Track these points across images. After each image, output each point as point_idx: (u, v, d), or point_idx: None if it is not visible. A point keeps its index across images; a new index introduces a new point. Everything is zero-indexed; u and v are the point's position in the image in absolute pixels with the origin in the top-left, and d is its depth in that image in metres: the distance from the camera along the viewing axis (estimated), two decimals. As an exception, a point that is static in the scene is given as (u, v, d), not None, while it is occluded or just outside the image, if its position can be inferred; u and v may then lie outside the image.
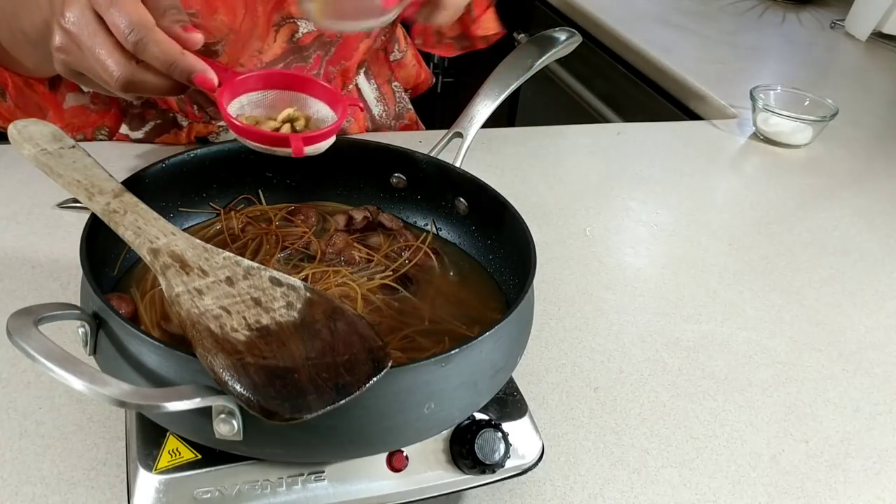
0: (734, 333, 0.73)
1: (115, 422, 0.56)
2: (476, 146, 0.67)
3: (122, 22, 0.51)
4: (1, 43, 0.73)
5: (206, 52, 0.81)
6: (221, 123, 0.91)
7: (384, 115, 1.03)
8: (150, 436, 0.46)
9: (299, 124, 0.57)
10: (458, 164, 0.64)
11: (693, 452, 0.60)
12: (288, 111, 0.57)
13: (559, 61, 1.23)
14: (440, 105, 1.21)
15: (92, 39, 0.52)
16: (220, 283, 0.45)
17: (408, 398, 0.43)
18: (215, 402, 0.39)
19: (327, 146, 0.56)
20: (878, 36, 1.57)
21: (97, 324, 0.45)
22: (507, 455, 0.49)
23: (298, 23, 0.85)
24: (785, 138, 1.11)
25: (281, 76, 0.59)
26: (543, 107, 1.80)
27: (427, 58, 1.13)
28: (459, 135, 0.68)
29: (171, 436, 0.46)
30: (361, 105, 0.58)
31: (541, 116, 1.81)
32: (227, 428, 0.40)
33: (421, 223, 0.65)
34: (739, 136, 1.14)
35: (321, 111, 0.59)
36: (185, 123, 0.91)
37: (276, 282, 0.46)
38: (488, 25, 0.98)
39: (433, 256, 0.61)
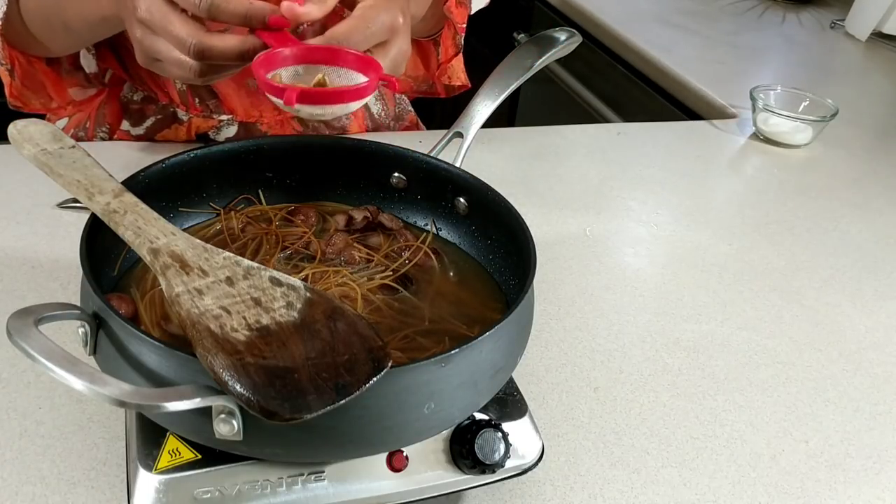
0: (734, 333, 0.73)
1: (115, 422, 0.56)
2: (476, 146, 0.67)
3: None
4: (28, 26, 0.74)
5: None
6: (222, 118, 0.91)
7: (383, 114, 1.03)
8: (150, 436, 0.46)
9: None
10: (458, 164, 0.64)
11: (693, 452, 0.60)
12: (318, 76, 0.58)
13: (559, 61, 1.23)
14: (440, 105, 1.21)
15: (164, 19, 0.58)
16: (220, 283, 0.45)
17: (408, 398, 0.43)
18: (215, 402, 0.39)
19: (343, 111, 0.56)
20: (878, 36, 1.57)
21: (97, 324, 0.45)
22: (507, 455, 0.49)
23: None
24: (785, 138, 1.11)
25: (317, 50, 0.59)
26: (543, 107, 1.80)
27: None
28: (459, 135, 0.68)
29: (171, 436, 0.46)
30: (395, 80, 0.59)
31: (541, 116, 1.81)
32: (227, 428, 0.40)
33: (421, 223, 0.65)
34: (739, 136, 1.14)
35: (354, 79, 0.59)
36: (185, 118, 0.91)
37: (276, 282, 0.46)
38: (455, 75, 0.97)
39: (433, 256, 0.61)
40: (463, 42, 0.95)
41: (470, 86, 0.98)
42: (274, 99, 0.55)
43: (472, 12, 0.95)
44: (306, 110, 0.55)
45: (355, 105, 0.56)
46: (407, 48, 0.64)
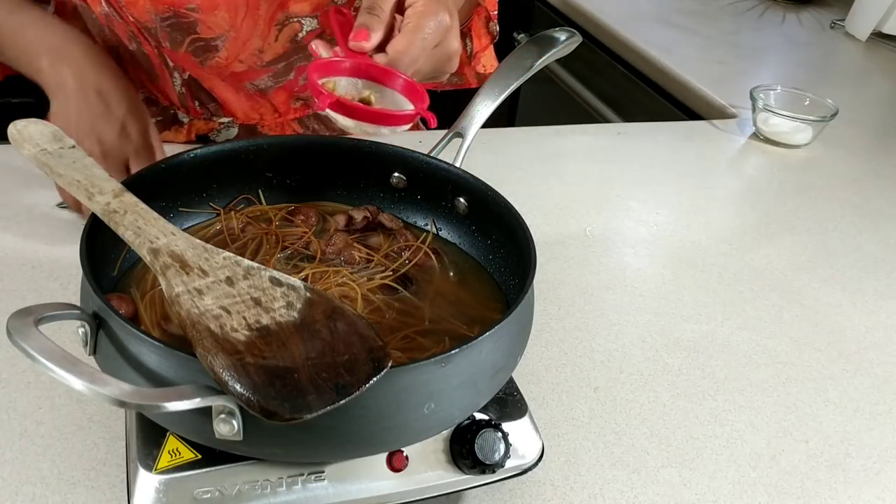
0: (734, 333, 0.73)
1: (115, 422, 0.56)
2: (476, 146, 0.67)
3: None
4: None
5: (206, 48, 0.81)
6: (222, 120, 0.91)
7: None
8: (150, 436, 0.46)
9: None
10: (458, 164, 0.64)
11: (693, 452, 0.60)
12: (366, 94, 0.59)
13: (559, 61, 1.23)
14: (440, 105, 1.20)
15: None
16: (220, 283, 0.45)
17: (408, 398, 0.43)
18: (215, 402, 0.39)
19: (375, 130, 0.57)
20: (878, 36, 1.57)
21: (97, 324, 0.45)
22: (507, 455, 0.49)
23: (302, 21, 0.85)
24: (785, 138, 1.11)
25: (371, 68, 0.60)
26: (543, 107, 1.80)
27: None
28: (459, 135, 0.68)
29: (171, 436, 0.46)
30: (431, 117, 0.60)
31: (541, 116, 1.81)
32: (227, 428, 0.40)
33: (421, 223, 0.65)
34: (739, 136, 1.14)
35: (400, 105, 0.60)
36: (185, 120, 0.91)
37: (276, 282, 0.46)
38: (489, 62, 0.97)
39: (433, 256, 0.61)
40: (497, 28, 0.94)
41: None
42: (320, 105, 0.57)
43: None
44: (341, 121, 0.57)
45: (387, 130, 0.58)
46: (458, 46, 0.66)
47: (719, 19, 1.61)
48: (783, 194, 0.99)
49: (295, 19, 0.84)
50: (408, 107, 0.60)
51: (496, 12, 0.91)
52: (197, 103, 0.90)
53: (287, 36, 0.85)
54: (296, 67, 0.87)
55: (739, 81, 1.28)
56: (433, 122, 0.59)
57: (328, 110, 0.57)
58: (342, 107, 0.56)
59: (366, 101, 0.60)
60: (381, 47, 0.61)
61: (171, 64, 0.86)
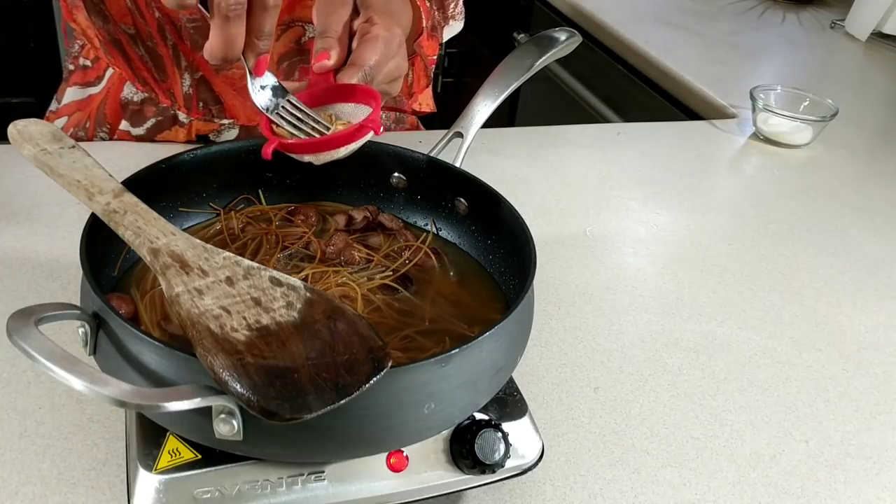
0: (734, 333, 0.73)
1: (115, 422, 0.56)
2: (476, 146, 0.67)
3: None
4: None
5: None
6: (223, 122, 0.91)
7: (383, 117, 1.03)
8: (150, 436, 0.46)
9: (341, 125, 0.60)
10: (458, 164, 0.64)
11: (693, 452, 0.60)
12: (339, 126, 0.59)
13: (559, 61, 1.23)
14: (440, 105, 1.21)
15: None
16: (220, 283, 0.45)
17: (408, 398, 0.43)
18: (215, 402, 0.39)
19: (343, 153, 0.57)
20: (878, 36, 1.57)
21: (97, 324, 0.45)
22: (507, 455, 0.49)
23: (306, 27, 0.85)
24: (785, 138, 1.11)
25: (320, 93, 0.61)
26: (543, 107, 1.80)
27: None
28: (459, 135, 0.68)
29: (171, 436, 0.46)
30: (376, 125, 0.59)
31: (541, 116, 1.81)
32: (227, 428, 0.40)
33: (421, 223, 0.65)
34: (739, 136, 1.14)
35: (362, 114, 0.60)
36: (185, 121, 0.91)
37: (276, 282, 0.46)
38: (425, 102, 0.98)
39: (433, 256, 0.61)
40: (433, 73, 0.96)
41: (436, 110, 0.99)
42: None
43: (444, 41, 0.95)
44: (305, 159, 0.57)
45: (344, 151, 0.57)
46: (406, 66, 0.67)
47: (719, 19, 1.61)
48: (783, 194, 0.99)
49: (298, 24, 0.84)
50: (365, 111, 0.60)
51: (434, 58, 0.93)
52: (201, 104, 0.90)
53: (290, 38, 0.86)
54: (299, 68, 0.88)
55: (739, 81, 1.28)
56: (377, 129, 0.57)
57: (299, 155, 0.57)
58: (288, 147, 0.56)
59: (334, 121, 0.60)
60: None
61: (184, 63, 0.86)
